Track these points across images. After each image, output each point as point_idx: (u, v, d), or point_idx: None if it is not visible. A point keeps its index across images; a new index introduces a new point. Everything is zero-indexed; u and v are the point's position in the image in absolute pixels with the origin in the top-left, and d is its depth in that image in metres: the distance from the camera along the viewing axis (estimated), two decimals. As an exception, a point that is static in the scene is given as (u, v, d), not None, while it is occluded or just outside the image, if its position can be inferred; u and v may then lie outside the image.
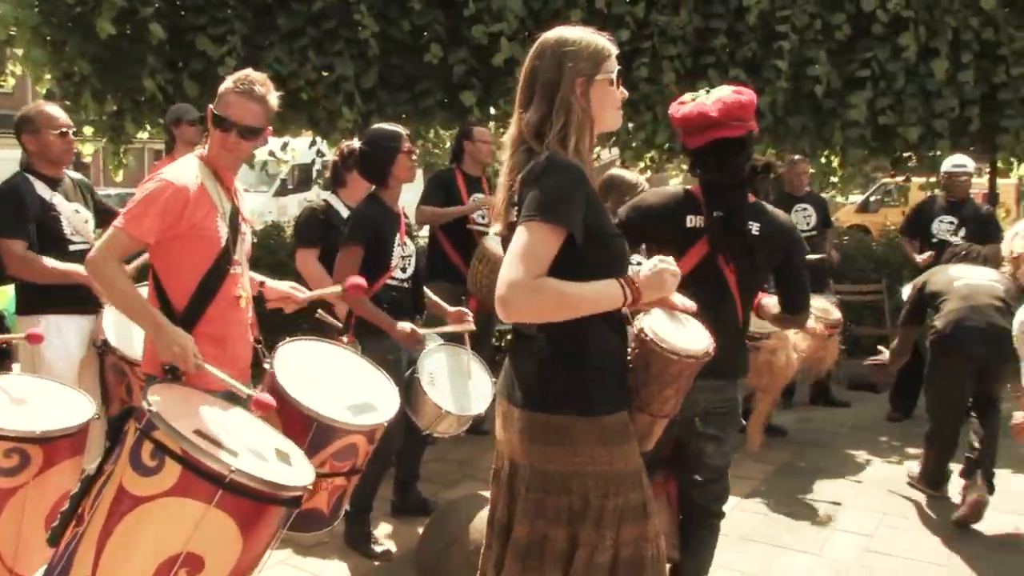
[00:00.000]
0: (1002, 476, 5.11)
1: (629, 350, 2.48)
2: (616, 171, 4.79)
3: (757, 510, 5.20)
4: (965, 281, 5.12)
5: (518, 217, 2.31)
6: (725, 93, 3.20)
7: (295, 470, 2.79)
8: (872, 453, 6.32)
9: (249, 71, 3.21)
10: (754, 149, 3.37)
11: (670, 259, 2.39)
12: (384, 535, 4.67)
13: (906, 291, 6.57)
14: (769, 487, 5.58)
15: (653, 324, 2.43)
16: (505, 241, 2.44)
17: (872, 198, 21.18)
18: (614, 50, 2.47)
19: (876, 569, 4.45)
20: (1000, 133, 8.76)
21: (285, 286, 3.67)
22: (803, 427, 6.96)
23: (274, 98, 3.20)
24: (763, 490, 5.52)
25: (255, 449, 2.75)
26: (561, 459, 2.38)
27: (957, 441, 5.26)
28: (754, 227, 3.22)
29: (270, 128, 3.26)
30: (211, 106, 3.18)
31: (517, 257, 2.21)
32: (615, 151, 9.04)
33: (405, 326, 4.25)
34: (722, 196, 3.23)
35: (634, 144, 8.64)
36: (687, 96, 3.29)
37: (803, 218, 7.28)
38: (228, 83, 3.16)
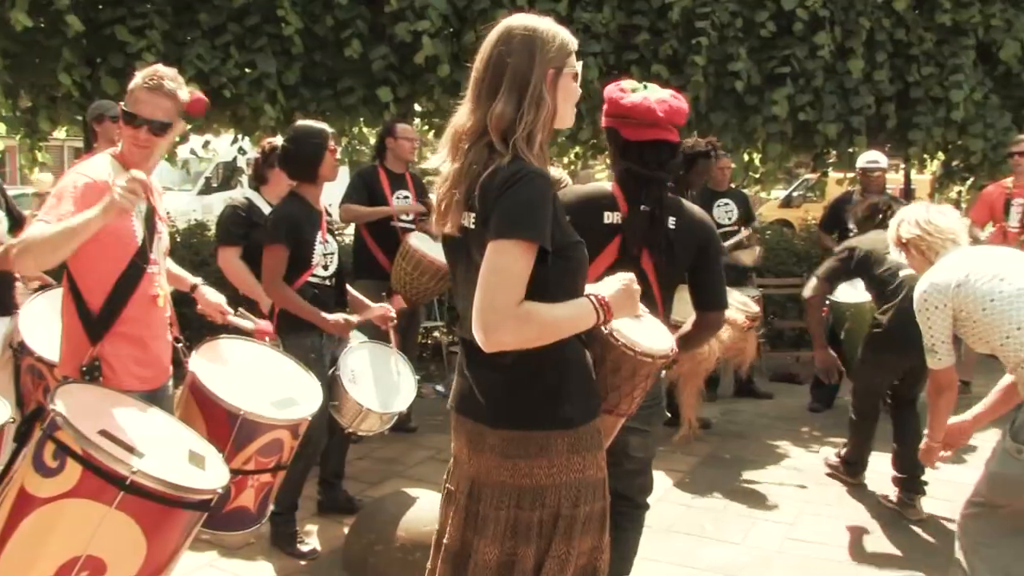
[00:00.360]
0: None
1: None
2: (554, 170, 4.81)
3: (682, 501, 5.26)
4: (911, 273, 5.15)
5: (477, 223, 2.20)
6: (667, 95, 3.17)
7: (207, 473, 2.75)
8: (794, 443, 6.44)
9: (158, 67, 3.17)
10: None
11: (631, 275, 2.34)
12: (310, 535, 4.63)
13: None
14: (694, 478, 5.65)
15: (620, 327, 2.42)
16: (452, 242, 2.35)
17: (795, 193, 21.56)
18: (575, 44, 2.36)
19: (796, 556, 4.54)
20: (913, 130, 9.02)
21: (219, 300, 3.69)
22: (727, 419, 7.07)
23: (185, 93, 3.16)
24: (688, 482, 5.59)
25: (167, 451, 2.71)
26: (539, 472, 2.29)
27: (875, 428, 5.38)
28: (672, 222, 3.20)
29: (184, 124, 3.23)
30: (121, 103, 3.13)
31: (496, 281, 2.09)
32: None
33: (337, 316, 4.24)
34: (650, 192, 3.23)
35: (559, 140, 8.69)
36: (627, 84, 3.23)
37: (725, 213, 7.36)
38: (138, 79, 3.12)
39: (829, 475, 5.67)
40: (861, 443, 5.46)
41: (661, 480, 5.55)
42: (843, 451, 5.65)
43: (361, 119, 8.87)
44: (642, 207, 3.18)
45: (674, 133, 3.18)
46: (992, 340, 3.34)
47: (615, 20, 8.18)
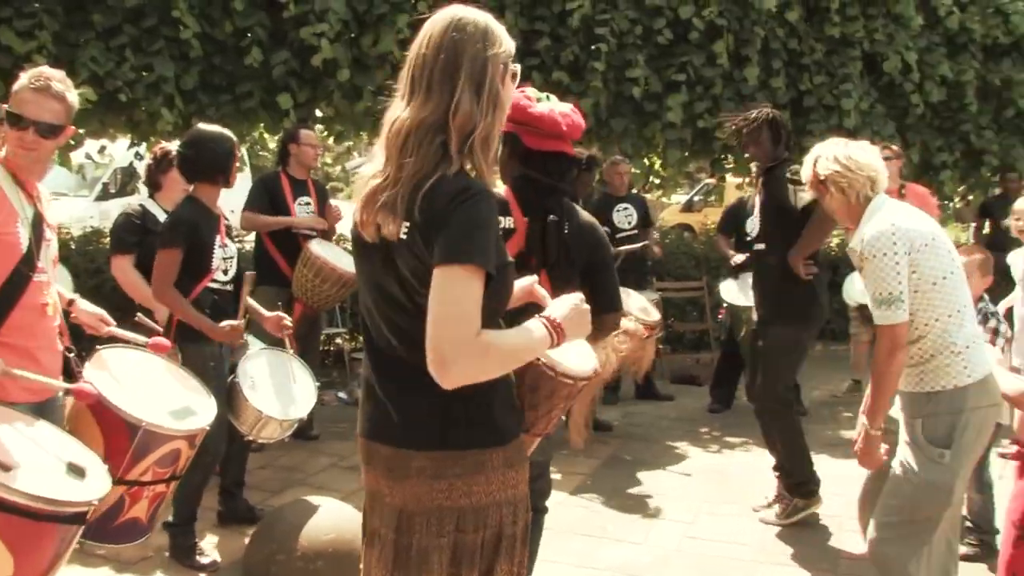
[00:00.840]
0: (818, 461, 5.23)
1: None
2: None
3: (583, 503, 5.33)
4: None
5: (412, 236, 2.03)
6: (568, 109, 3.22)
7: (85, 485, 2.66)
8: (694, 444, 6.56)
9: (45, 68, 3.09)
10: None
11: (580, 295, 2.26)
12: (210, 546, 4.56)
13: (725, 286, 6.87)
14: (595, 481, 5.73)
15: None
16: (369, 249, 2.15)
17: (696, 198, 21.91)
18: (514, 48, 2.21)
19: (695, 555, 4.63)
20: (807, 136, 9.29)
21: (96, 312, 3.60)
22: (628, 421, 7.17)
23: (74, 96, 3.09)
24: (589, 484, 5.66)
25: (44, 464, 2.62)
26: (478, 490, 2.15)
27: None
28: (565, 226, 3.27)
29: (72, 127, 3.15)
30: (5, 105, 3.05)
31: (452, 313, 1.94)
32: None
33: (224, 324, 4.18)
34: (552, 201, 3.28)
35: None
36: (532, 92, 3.24)
37: (624, 218, 7.47)
38: (23, 80, 3.03)
39: (787, 524, 5.03)
40: (794, 442, 5.06)
41: (562, 483, 5.61)
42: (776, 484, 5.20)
43: (261, 124, 8.77)
44: (551, 217, 3.23)
45: (571, 147, 3.26)
46: (923, 316, 3.17)
47: (517, 26, 8.24)
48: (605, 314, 3.36)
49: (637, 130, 8.80)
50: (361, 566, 2.30)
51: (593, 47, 8.25)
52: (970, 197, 11.52)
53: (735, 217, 7.66)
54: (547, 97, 3.26)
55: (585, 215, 3.44)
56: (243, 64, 7.64)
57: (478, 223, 1.98)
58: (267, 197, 6.08)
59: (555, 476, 5.68)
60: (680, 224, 19.50)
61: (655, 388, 7.88)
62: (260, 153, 9.52)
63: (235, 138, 4.40)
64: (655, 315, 5.96)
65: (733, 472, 5.87)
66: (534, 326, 2.12)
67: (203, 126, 4.49)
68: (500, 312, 2.20)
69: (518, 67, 2.19)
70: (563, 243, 3.28)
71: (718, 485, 5.66)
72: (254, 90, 7.85)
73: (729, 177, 11.71)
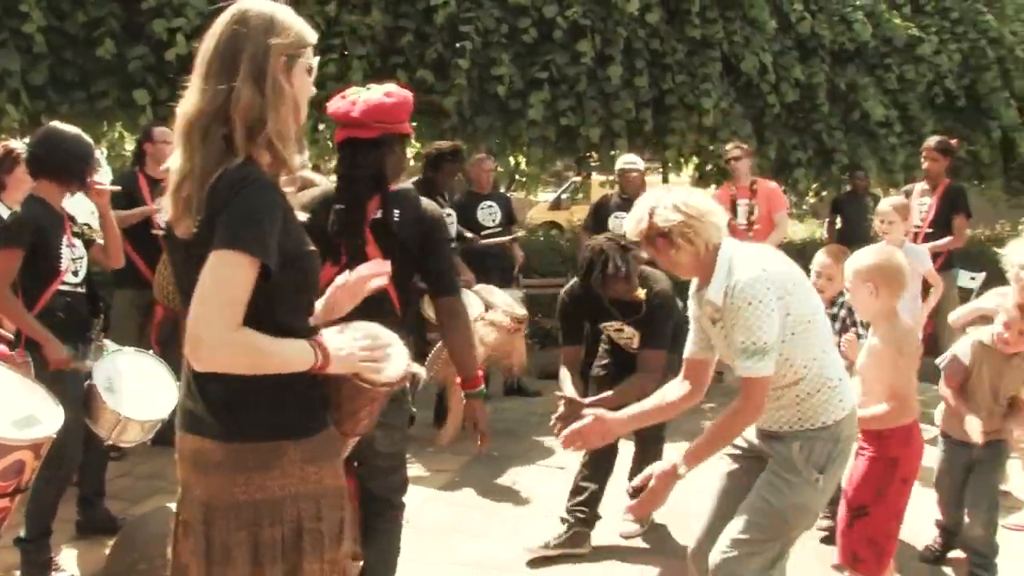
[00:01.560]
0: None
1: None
2: (306, 173, 4.74)
3: (451, 500, 5.34)
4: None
5: (202, 230, 2.04)
6: (379, 94, 3.24)
7: None
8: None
9: None
10: (397, 146, 3.36)
11: (374, 336, 2.32)
12: (69, 559, 4.40)
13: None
14: (463, 477, 5.75)
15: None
16: (179, 248, 2.16)
17: (563, 195, 22.19)
18: (314, 38, 2.22)
19: (563, 547, 4.68)
20: (669, 134, 9.55)
21: None
22: (497, 417, 7.19)
23: None
24: (457, 481, 5.68)
25: None
26: (272, 484, 2.15)
27: None
28: (395, 214, 3.27)
29: None
30: None
31: (214, 296, 1.96)
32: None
33: (60, 351, 4.01)
34: (348, 190, 3.29)
35: (320, 142, 8.62)
36: (351, 91, 3.30)
37: (489, 215, 7.51)
38: None
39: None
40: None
41: (430, 480, 5.63)
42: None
43: (119, 123, 8.49)
44: (336, 206, 3.26)
45: (371, 130, 3.21)
46: (802, 359, 3.04)
47: (382, 23, 8.21)
48: (442, 297, 3.41)
49: (502, 128, 8.88)
50: (169, 552, 2.28)
51: (458, 45, 8.28)
52: (823, 193, 11.99)
53: (599, 214, 7.79)
54: (368, 88, 3.30)
55: (422, 201, 3.43)
56: (96, 58, 7.38)
57: (253, 212, 2.00)
58: (124, 197, 5.90)
59: (422, 474, 5.73)
60: (548, 222, 19.73)
61: (523, 384, 7.94)
62: (122, 154, 9.20)
63: (93, 143, 4.25)
64: (521, 310, 6.03)
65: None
66: (303, 347, 2.13)
67: (58, 125, 4.30)
68: (304, 306, 2.24)
69: (315, 60, 2.21)
70: (391, 233, 3.28)
71: (585, 478, 5.73)
72: (109, 88, 7.59)
73: (595, 175, 11.92)
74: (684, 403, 3.37)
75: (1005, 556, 4.33)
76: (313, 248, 2.24)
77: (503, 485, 5.65)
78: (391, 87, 3.32)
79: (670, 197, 3.10)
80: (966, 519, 4.28)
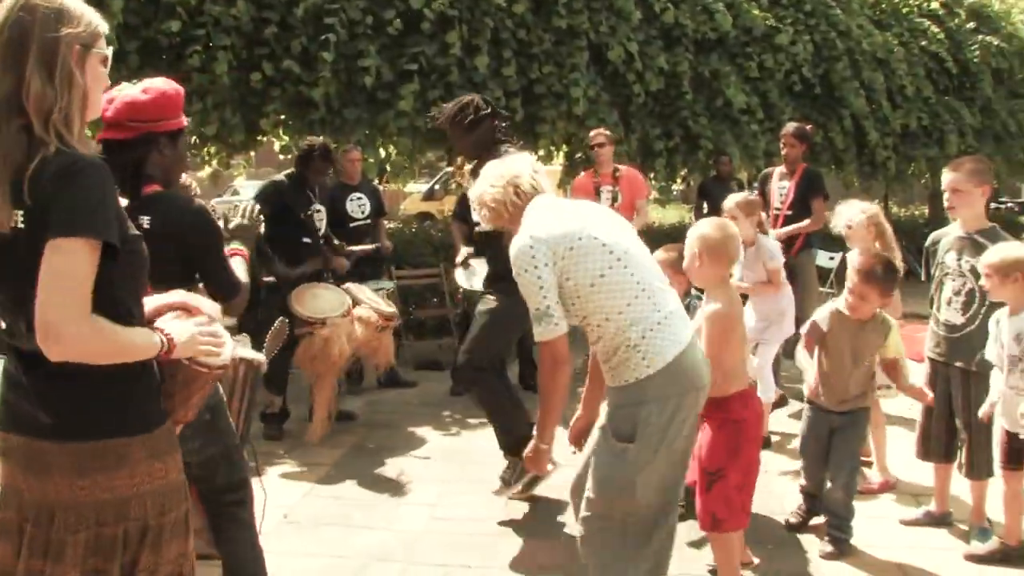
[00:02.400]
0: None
1: None
2: None
3: (329, 494, 5.31)
4: None
5: (28, 223, 1.97)
6: (129, 93, 3.04)
7: None
8: (437, 428, 6.67)
9: None
10: (165, 146, 3.12)
11: (206, 318, 2.31)
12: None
13: (459, 272, 7.00)
14: (339, 470, 5.71)
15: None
16: (3, 236, 2.03)
17: (436, 186, 22.18)
18: (106, 28, 2.16)
19: (441, 534, 4.71)
20: (539, 123, 9.65)
21: None
22: (372, 409, 7.20)
23: None
24: (333, 474, 5.64)
25: None
26: (119, 484, 2.12)
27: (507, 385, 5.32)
28: (145, 221, 3.01)
29: None
30: None
31: (61, 285, 1.91)
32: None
33: None
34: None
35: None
36: (115, 89, 3.05)
37: (358, 207, 7.46)
38: None
39: (521, 492, 5.08)
40: (495, 402, 5.09)
41: (307, 474, 5.58)
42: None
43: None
44: None
45: (127, 130, 3.03)
46: (594, 319, 3.09)
47: (247, 13, 8.05)
48: (224, 301, 3.20)
49: (370, 119, 8.82)
50: None
51: (323, 37, 8.19)
52: (691, 180, 12.28)
53: (465, 203, 7.79)
54: (133, 83, 3.12)
55: (179, 203, 3.19)
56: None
57: (89, 194, 1.97)
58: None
59: (298, 468, 5.69)
60: (422, 213, 19.73)
61: (398, 375, 7.92)
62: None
63: None
64: (390, 308, 6.03)
65: (475, 452, 5.99)
66: (149, 334, 2.13)
67: None
68: (138, 288, 2.20)
69: (109, 50, 2.15)
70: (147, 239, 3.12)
71: (461, 466, 5.78)
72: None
73: (468, 165, 11.93)
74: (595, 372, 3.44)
75: (860, 519, 4.56)
76: (139, 232, 2.21)
77: (380, 476, 5.64)
78: (154, 82, 3.10)
79: (489, 168, 3.43)
80: (827, 483, 4.49)
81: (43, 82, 1.98)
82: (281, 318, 4.05)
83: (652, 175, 11.09)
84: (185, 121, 3.20)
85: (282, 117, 8.88)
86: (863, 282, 4.32)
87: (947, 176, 4.40)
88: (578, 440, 3.56)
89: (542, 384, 3.23)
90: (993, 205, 18.87)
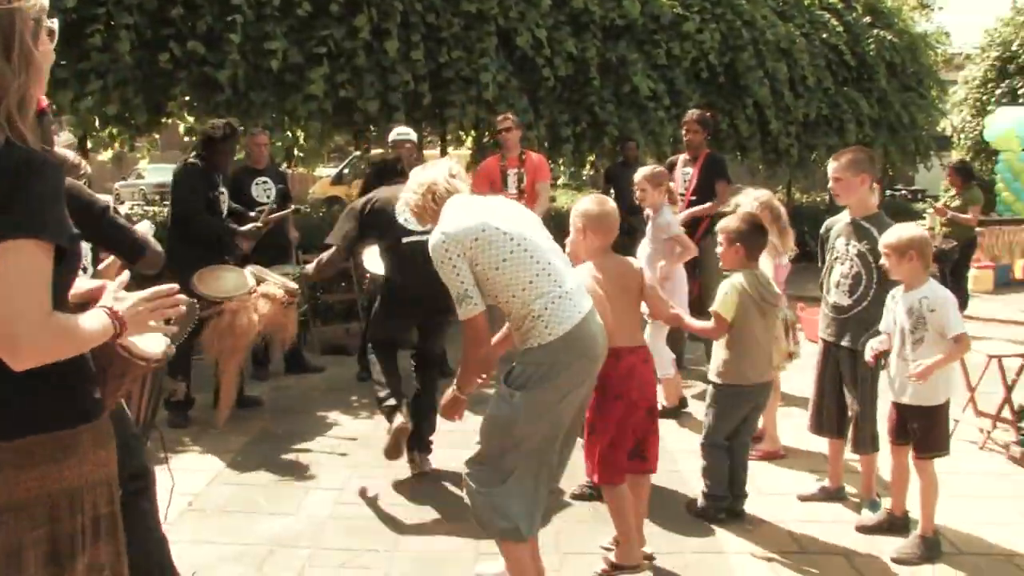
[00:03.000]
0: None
1: None
2: (62, 150, 4.47)
3: (235, 480, 5.28)
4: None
5: None
6: None
7: None
8: (344, 412, 6.68)
9: None
10: None
11: (152, 292, 2.24)
12: None
13: (367, 256, 6.97)
14: (245, 457, 5.68)
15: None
16: None
17: (345, 171, 22.01)
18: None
19: (347, 518, 4.74)
20: (449, 107, 9.66)
21: None
22: (278, 395, 7.16)
23: None
24: (240, 460, 5.61)
25: None
26: (70, 474, 2.04)
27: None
28: None
29: None
30: None
31: (20, 288, 1.83)
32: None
33: None
34: None
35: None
36: None
37: (263, 191, 7.32)
38: None
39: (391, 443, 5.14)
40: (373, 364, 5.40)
41: (213, 461, 5.54)
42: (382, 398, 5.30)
43: None
44: None
45: None
46: (503, 296, 3.45)
47: (152, -7, 7.90)
48: (134, 262, 3.25)
49: (277, 103, 8.73)
50: None
51: (229, 18, 8.07)
52: (599, 166, 12.42)
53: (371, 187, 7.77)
54: None
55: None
56: None
57: (45, 195, 1.89)
58: None
59: (205, 455, 5.64)
60: (330, 197, 19.57)
61: (305, 360, 7.89)
62: None
63: None
64: (293, 284, 6.01)
65: (381, 436, 5.97)
66: (101, 316, 2.09)
67: None
68: (68, 285, 2.15)
69: (55, 22, 2.04)
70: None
71: (367, 450, 5.78)
72: None
73: (374, 149, 11.91)
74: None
75: (759, 494, 4.74)
76: (79, 231, 2.12)
77: (287, 461, 5.63)
78: None
79: (418, 176, 3.79)
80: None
81: (1, 62, 1.87)
82: (190, 300, 4.01)
83: (560, 161, 11.19)
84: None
85: (187, 99, 8.74)
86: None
87: (830, 166, 4.76)
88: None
89: (465, 351, 3.60)
90: (888, 192, 19.44)
